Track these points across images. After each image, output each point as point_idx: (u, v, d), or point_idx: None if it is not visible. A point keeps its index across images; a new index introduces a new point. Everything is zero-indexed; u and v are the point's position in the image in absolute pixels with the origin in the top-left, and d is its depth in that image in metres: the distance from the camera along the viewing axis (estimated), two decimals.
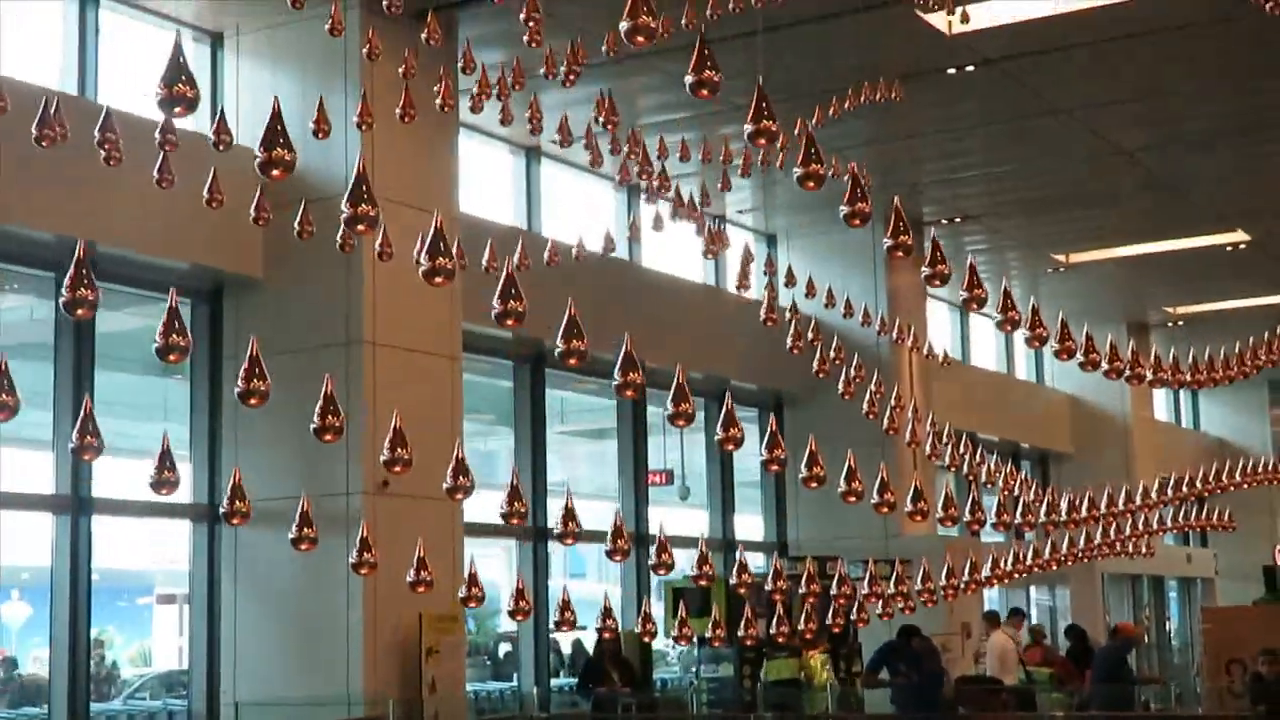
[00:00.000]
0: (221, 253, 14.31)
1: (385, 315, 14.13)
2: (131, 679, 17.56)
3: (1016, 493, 10.02)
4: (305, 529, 5.70)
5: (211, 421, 14.69)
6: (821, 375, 9.27)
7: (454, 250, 7.94)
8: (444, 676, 13.91)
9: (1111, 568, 22.28)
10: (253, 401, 5.18)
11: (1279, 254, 23.99)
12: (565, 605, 6.14)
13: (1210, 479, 10.67)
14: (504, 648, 19.85)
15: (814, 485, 5.39)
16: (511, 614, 6.14)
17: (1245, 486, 10.99)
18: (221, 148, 6.49)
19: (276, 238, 14.24)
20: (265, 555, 14.35)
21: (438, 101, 8.03)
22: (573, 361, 4.85)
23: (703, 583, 6.44)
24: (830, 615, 7.59)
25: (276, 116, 4.47)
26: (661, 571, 5.95)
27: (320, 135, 7.63)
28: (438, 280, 4.81)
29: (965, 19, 10.68)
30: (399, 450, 5.42)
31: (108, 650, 16.84)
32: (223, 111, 6.47)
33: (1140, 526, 12.10)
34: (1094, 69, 16.09)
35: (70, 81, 13.48)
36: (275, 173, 4.47)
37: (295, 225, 7.75)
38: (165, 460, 4.85)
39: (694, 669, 18.07)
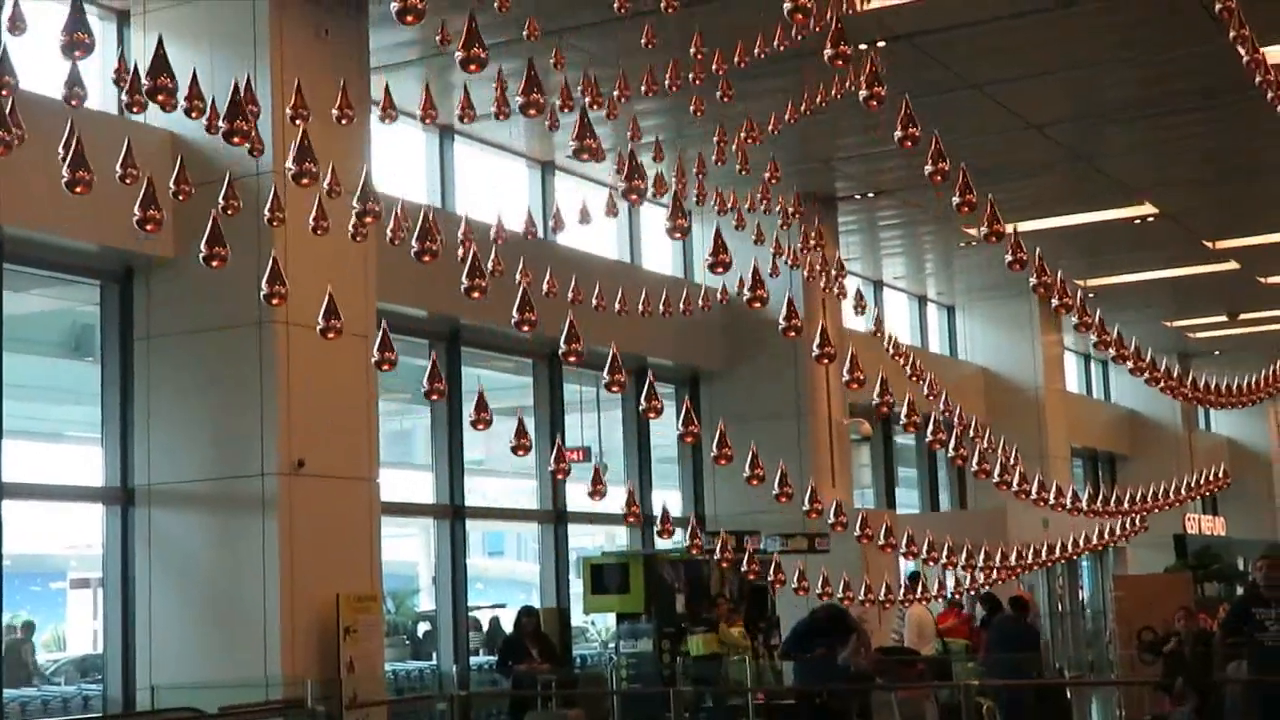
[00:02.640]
0: (131, 233, 14.12)
1: (298, 294, 13.99)
2: (46, 664, 17.38)
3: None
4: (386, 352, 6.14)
5: (123, 404, 14.53)
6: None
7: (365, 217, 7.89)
8: (362, 656, 13.85)
9: (1024, 536, 22.52)
10: (149, 228, 5.40)
11: (1187, 226, 24.30)
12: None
13: (1134, 500, 10.84)
14: (423, 627, 19.82)
15: (723, 463, 5.79)
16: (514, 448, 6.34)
17: (1160, 509, 11.12)
18: (136, 110, 6.36)
19: (187, 217, 14.09)
20: (180, 538, 14.24)
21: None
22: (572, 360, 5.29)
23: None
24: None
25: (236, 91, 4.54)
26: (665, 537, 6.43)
27: (249, 118, 7.51)
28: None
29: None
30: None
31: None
32: (135, 69, 6.33)
33: (1057, 549, 12.19)
34: (1002, 44, 16.22)
35: None
36: (235, 140, 4.65)
37: (220, 201, 7.62)
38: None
39: (613, 645, 18.15)
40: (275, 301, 6.39)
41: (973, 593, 20.19)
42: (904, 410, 6.91)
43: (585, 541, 20.89)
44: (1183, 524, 32.96)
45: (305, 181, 5.90)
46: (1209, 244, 25.58)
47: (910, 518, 25.40)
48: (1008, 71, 17.03)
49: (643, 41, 9.06)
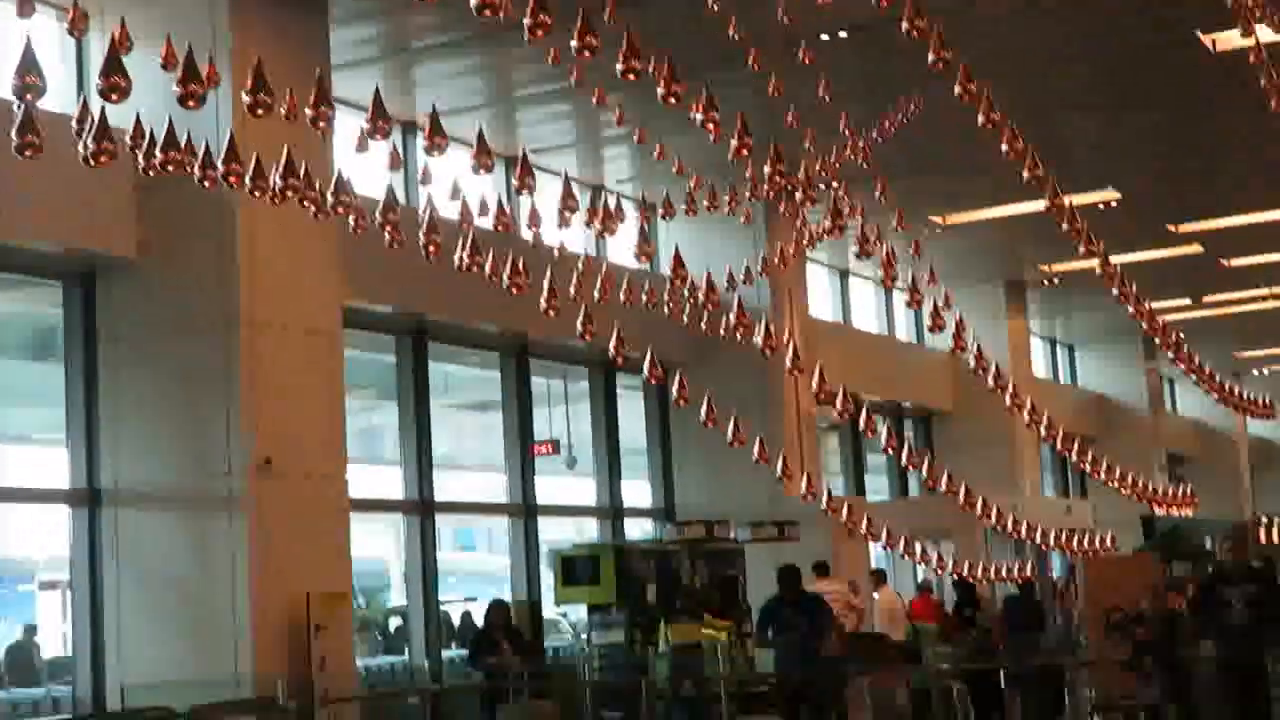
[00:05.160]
0: (93, 234, 14.10)
1: (263, 293, 14.01)
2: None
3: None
4: None
5: (88, 406, 14.49)
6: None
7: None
8: (333, 653, 13.84)
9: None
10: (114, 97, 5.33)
11: (1149, 211, 24.40)
12: None
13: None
14: (394, 622, 19.81)
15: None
16: None
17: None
18: (117, 98, 6.32)
19: (150, 217, 14.06)
20: (147, 538, 14.21)
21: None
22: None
23: None
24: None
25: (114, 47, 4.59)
26: None
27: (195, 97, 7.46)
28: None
29: None
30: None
31: None
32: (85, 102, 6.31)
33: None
34: (964, 36, 16.23)
35: None
36: (114, 97, 4.67)
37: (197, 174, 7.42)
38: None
39: (585, 637, 18.15)
40: (233, 180, 6.37)
41: (955, 577, 20.38)
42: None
43: (555, 534, 20.89)
44: (1150, 505, 33.14)
45: (261, 112, 5.87)
46: (1172, 228, 25.69)
47: (881, 505, 25.50)
48: (969, 63, 17.05)
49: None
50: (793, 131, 11.44)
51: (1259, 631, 11.64)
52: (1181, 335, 10.38)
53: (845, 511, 16.19)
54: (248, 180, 7.60)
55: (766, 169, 7.28)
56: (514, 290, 8.17)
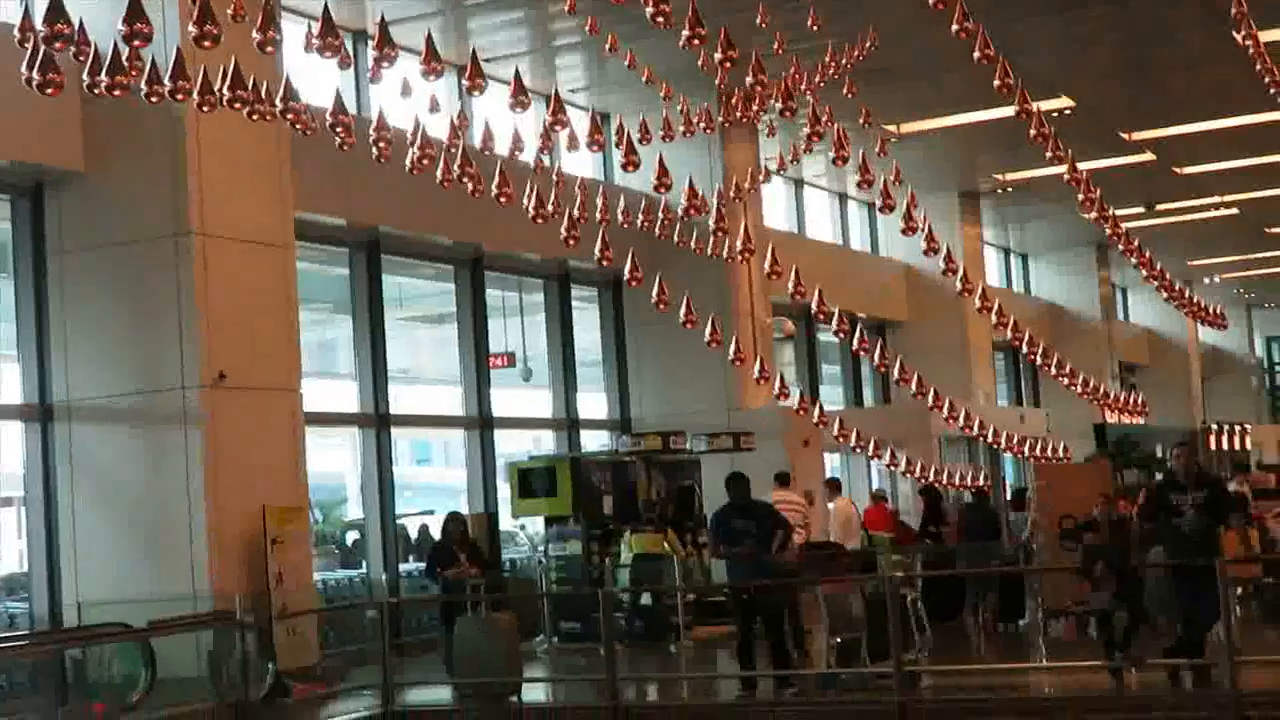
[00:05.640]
0: (40, 147, 13.92)
1: (214, 205, 13.88)
2: None
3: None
4: None
5: (39, 320, 14.38)
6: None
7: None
8: (290, 567, 13.86)
9: (947, 429, 22.75)
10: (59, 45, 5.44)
11: (1102, 119, 24.40)
12: None
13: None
14: (351, 536, 19.83)
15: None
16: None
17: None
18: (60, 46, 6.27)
19: (97, 130, 13.89)
20: (102, 453, 14.15)
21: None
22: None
23: None
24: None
25: None
26: None
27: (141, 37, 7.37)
28: None
29: None
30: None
31: None
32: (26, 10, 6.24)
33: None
34: None
35: None
36: (59, 45, 4.68)
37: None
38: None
39: (542, 548, 18.20)
40: (207, 44, 6.35)
41: (922, 481, 20.56)
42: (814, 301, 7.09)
43: (512, 447, 20.89)
44: (1102, 413, 33.42)
45: (208, 44, 5.80)
46: (1125, 136, 25.72)
47: (836, 413, 25.57)
48: None
49: None
50: (746, 26, 11.35)
51: (1208, 537, 11.74)
52: (1136, 243, 10.47)
53: (796, 400, 16.40)
54: (195, 95, 7.51)
55: (718, 56, 7.21)
56: (465, 180, 8.06)
